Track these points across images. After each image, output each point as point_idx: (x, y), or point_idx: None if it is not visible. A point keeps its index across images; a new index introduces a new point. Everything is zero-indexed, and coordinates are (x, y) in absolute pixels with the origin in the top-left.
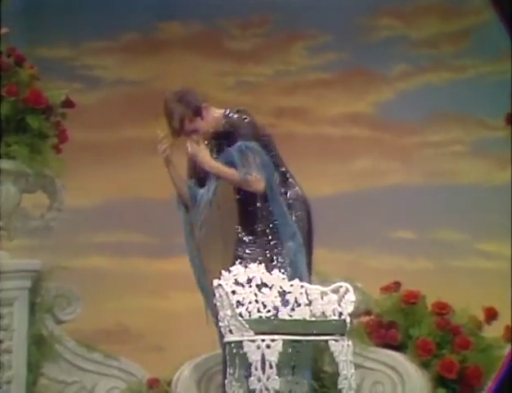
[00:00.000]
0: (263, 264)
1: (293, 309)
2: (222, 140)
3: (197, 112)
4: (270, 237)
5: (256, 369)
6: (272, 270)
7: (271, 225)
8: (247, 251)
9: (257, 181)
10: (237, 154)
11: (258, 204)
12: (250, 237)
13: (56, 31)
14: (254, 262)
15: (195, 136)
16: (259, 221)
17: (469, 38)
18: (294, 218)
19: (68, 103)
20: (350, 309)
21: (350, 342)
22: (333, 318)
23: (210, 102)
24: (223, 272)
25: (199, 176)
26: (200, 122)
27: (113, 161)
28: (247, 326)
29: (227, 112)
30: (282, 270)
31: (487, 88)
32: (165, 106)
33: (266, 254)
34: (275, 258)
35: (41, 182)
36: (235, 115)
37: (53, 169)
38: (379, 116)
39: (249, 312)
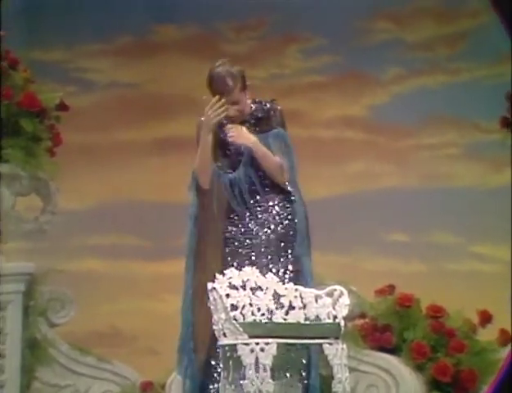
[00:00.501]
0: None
1: (287, 313)
2: (252, 126)
3: (245, 85)
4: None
5: (250, 373)
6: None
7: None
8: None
9: (286, 171)
10: (274, 140)
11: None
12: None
13: (50, 34)
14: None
15: (234, 112)
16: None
17: (465, 42)
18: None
19: (62, 106)
20: (344, 312)
21: (344, 345)
22: (327, 321)
23: (205, 105)
24: (217, 275)
25: (227, 161)
26: (244, 97)
27: (107, 164)
28: (241, 329)
29: (258, 100)
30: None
31: (482, 92)
32: (215, 69)
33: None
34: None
35: (35, 185)
36: (269, 104)
37: (47, 171)
38: (373, 119)
39: (244, 315)
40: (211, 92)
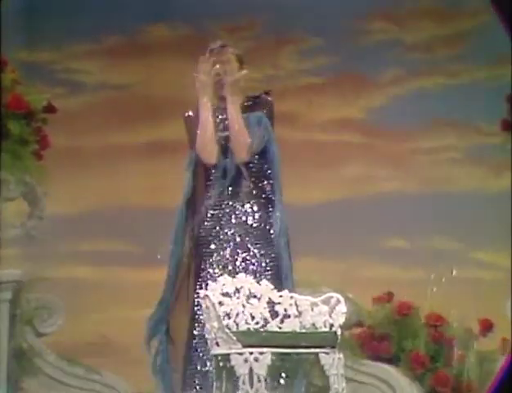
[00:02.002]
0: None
1: (282, 321)
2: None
3: (241, 61)
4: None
5: (244, 383)
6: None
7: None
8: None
9: (251, 151)
10: (254, 121)
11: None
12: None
13: (37, 34)
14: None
15: (222, 70)
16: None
17: (464, 43)
18: None
19: (50, 108)
20: (341, 320)
21: (341, 355)
22: (323, 329)
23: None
24: (210, 282)
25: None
26: (235, 63)
27: (96, 168)
28: (234, 338)
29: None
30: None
31: (482, 94)
32: (212, 43)
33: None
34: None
35: (22, 189)
36: (263, 93)
37: (34, 175)
38: (371, 122)
39: (237, 324)
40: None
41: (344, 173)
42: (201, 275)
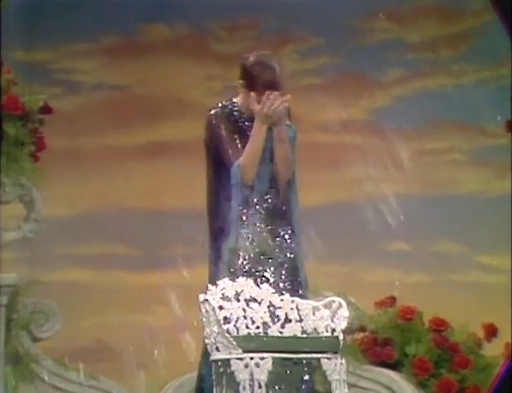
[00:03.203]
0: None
1: (283, 326)
2: None
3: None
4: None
5: (244, 389)
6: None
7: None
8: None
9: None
10: (293, 133)
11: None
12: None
13: (33, 33)
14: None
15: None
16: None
17: (469, 42)
18: None
19: (46, 109)
20: (343, 325)
21: (343, 360)
22: (325, 334)
23: (197, 108)
24: (209, 286)
25: None
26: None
27: (93, 169)
28: (234, 343)
29: None
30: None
31: (487, 94)
32: (258, 57)
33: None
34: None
35: (18, 191)
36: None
37: (30, 177)
38: (373, 123)
39: (237, 328)
40: (251, 81)
41: (346, 175)
42: None
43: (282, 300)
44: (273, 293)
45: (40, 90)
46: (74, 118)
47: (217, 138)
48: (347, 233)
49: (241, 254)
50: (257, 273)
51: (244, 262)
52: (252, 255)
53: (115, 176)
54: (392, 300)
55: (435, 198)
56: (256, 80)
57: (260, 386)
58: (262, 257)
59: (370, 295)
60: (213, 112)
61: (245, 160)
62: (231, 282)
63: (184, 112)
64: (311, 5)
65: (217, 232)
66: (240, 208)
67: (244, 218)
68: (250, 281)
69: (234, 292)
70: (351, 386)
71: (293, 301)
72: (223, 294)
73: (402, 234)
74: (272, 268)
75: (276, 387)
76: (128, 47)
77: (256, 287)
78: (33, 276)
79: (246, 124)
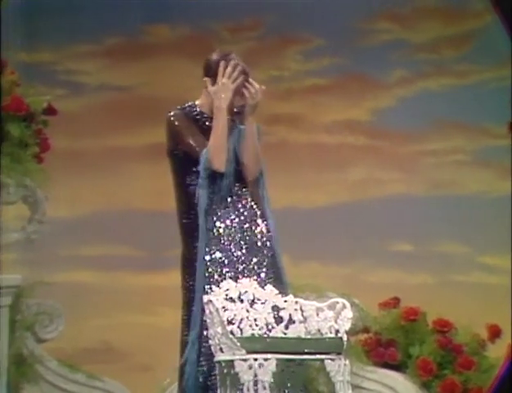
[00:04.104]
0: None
1: (287, 327)
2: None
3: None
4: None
5: (248, 390)
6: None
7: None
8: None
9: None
10: (257, 129)
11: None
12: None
13: (37, 34)
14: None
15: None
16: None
17: (471, 43)
18: None
19: (50, 110)
20: (347, 326)
21: (347, 361)
22: (329, 335)
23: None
24: (214, 287)
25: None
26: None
27: (98, 171)
28: (238, 344)
29: None
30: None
31: (490, 95)
32: (224, 53)
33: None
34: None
35: (22, 192)
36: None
37: (34, 179)
38: (376, 124)
39: (241, 329)
40: (214, 73)
41: (349, 176)
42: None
43: (286, 301)
44: (276, 294)
45: (44, 91)
46: (78, 119)
47: (178, 135)
48: (350, 234)
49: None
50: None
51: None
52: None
53: (119, 177)
54: (396, 301)
55: (438, 199)
56: (218, 69)
57: (264, 387)
58: (239, 254)
59: (374, 297)
60: (172, 113)
61: (213, 143)
62: (234, 284)
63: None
64: (314, 6)
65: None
66: (211, 197)
67: (218, 211)
68: (254, 282)
69: (237, 293)
70: (354, 387)
71: (296, 302)
72: (227, 295)
73: (406, 235)
74: (252, 268)
75: (280, 388)
76: (131, 49)
77: (260, 288)
78: (38, 277)
79: (207, 123)
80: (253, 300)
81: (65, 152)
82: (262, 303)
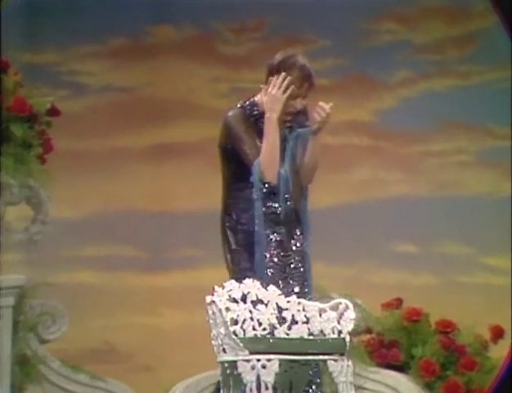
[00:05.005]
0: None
1: (290, 327)
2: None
3: None
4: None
5: (251, 391)
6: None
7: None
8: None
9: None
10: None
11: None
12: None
13: (40, 35)
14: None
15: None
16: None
17: (475, 43)
18: None
19: (53, 111)
20: (350, 327)
21: (350, 362)
22: (332, 336)
23: (203, 110)
24: (216, 287)
25: None
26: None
27: (101, 172)
28: (241, 345)
29: None
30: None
31: (494, 96)
32: (301, 58)
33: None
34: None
35: (25, 193)
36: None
37: (38, 179)
38: (380, 124)
39: (244, 330)
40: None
41: (353, 177)
42: None
43: (289, 301)
44: (279, 295)
45: (47, 92)
46: (82, 120)
47: (234, 139)
48: (353, 235)
49: (268, 259)
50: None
51: (272, 270)
52: (277, 260)
53: (123, 178)
54: (399, 301)
55: (442, 199)
56: (289, 73)
57: (267, 388)
58: (284, 262)
59: (377, 297)
60: (231, 113)
61: (265, 156)
62: (237, 284)
63: (191, 114)
64: (317, 7)
65: (234, 231)
66: (263, 209)
67: (267, 220)
68: (257, 282)
69: (241, 294)
70: (357, 387)
71: (299, 303)
72: (230, 296)
73: (409, 236)
74: (295, 274)
75: (283, 389)
76: (135, 49)
77: (263, 289)
78: (41, 277)
79: None
80: (256, 301)
81: (69, 153)
82: (265, 304)
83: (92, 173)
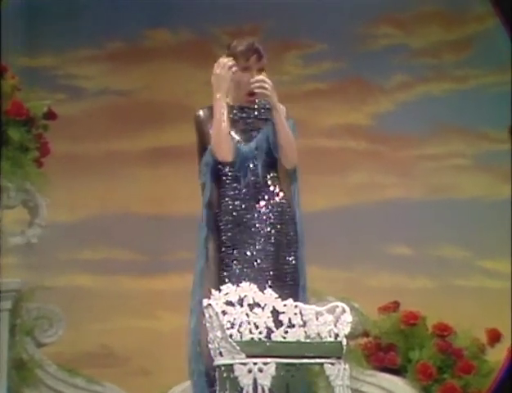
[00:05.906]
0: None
1: (286, 331)
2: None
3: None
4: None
5: None
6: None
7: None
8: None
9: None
10: (292, 126)
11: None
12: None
13: (37, 39)
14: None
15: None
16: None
17: (472, 47)
18: None
19: (50, 114)
20: (347, 330)
21: (347, 366)
22: (328, 339)
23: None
24: (213, 291)
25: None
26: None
27: (98, 175)
28: (238, 348)
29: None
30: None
31: (490, 99)
32: (246, 40)
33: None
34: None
35: (22, 196)
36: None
37: (34, 183)
38: (377, 128)
39: (241, 333)
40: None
41: (349, 180)
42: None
43: (285, 305)
44: (276, 298)
45: (44, 96)
46: (78, 123)
47: (202, 135)
48: (350, 238)
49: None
50: (260, 277)
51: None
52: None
53: (120, 181)
54: (396, 305)
55: (438, 203)
56: (236, 54)
57: (263, 391)
58: (264, 257)
59: (374, 301)
60: (200, 112)
61: (213, 136)
62: (234, 287)
63: (188, 117)
64: (314, 11)
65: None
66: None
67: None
68: (254, 286)
69: (237, 297)
70: (354, 391)
71: (296, 306)
72: (227, 299)
73: (406, 239)
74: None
75: (280, 392)
76: (132, 53)
77: (259, 292)
78: (38, 281)
79: (238, 115)
80: (252, 305)
81: (66, 156)
82: (261, 307)
83: (89, 176)
